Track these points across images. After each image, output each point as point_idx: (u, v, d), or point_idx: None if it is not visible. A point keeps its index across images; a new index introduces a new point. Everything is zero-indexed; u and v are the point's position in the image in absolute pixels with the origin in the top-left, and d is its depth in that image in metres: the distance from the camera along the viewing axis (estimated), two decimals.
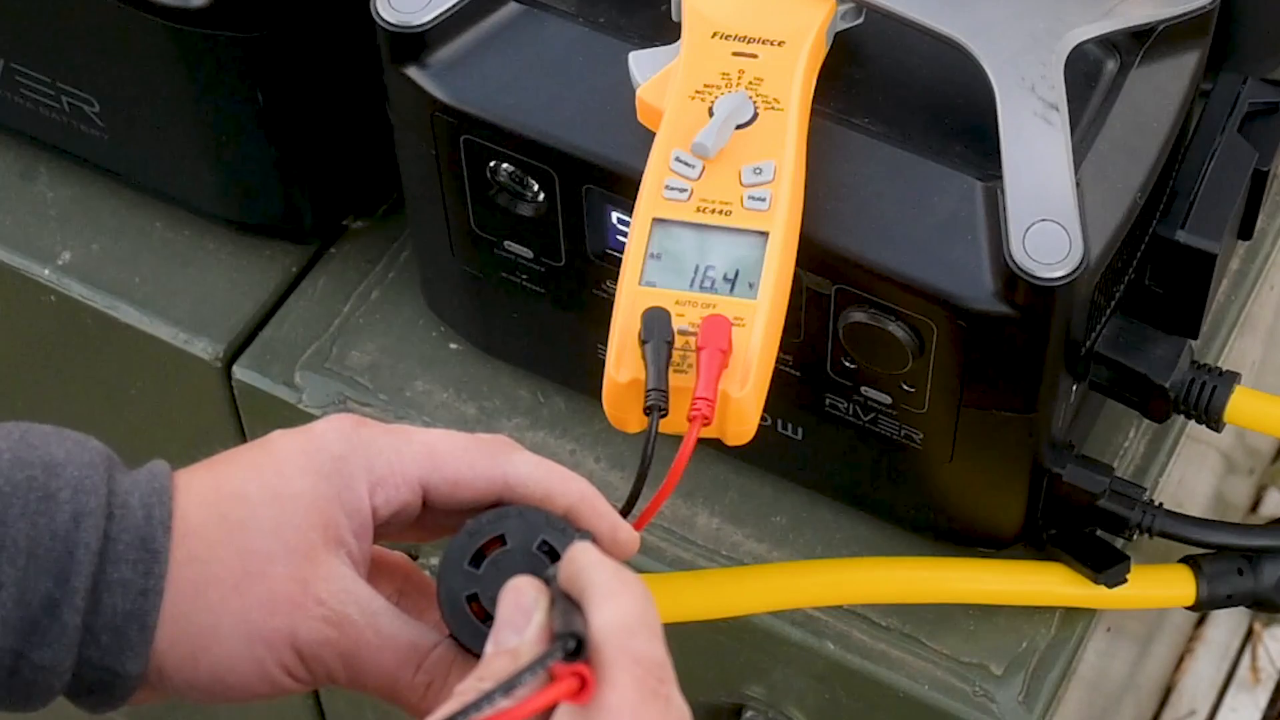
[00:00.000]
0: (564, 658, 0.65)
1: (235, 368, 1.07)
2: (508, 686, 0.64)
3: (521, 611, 0.68)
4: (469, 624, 0.71)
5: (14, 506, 0.69)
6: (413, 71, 0.91)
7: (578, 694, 0.64)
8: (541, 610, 0.68)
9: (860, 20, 0.90)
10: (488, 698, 0.64)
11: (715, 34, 0.87)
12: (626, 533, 0.75)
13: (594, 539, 0.72)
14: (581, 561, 0.68)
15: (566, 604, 0.67)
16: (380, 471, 0.73)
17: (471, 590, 0.71)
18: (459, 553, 0.71)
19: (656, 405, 0.79)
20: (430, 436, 0.74)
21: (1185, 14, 0.90)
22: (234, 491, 0.72)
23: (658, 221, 0.84)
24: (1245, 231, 0.98)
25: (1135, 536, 0.98)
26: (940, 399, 0.90)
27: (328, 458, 0.72)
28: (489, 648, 0.68)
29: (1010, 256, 0.83)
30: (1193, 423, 0.98)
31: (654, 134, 0.86)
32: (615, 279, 0.86)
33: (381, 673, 0.71)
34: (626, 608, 0.66)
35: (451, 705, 0.64)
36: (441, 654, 0.72)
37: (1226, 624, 1.63)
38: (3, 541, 0.68)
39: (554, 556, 0.71)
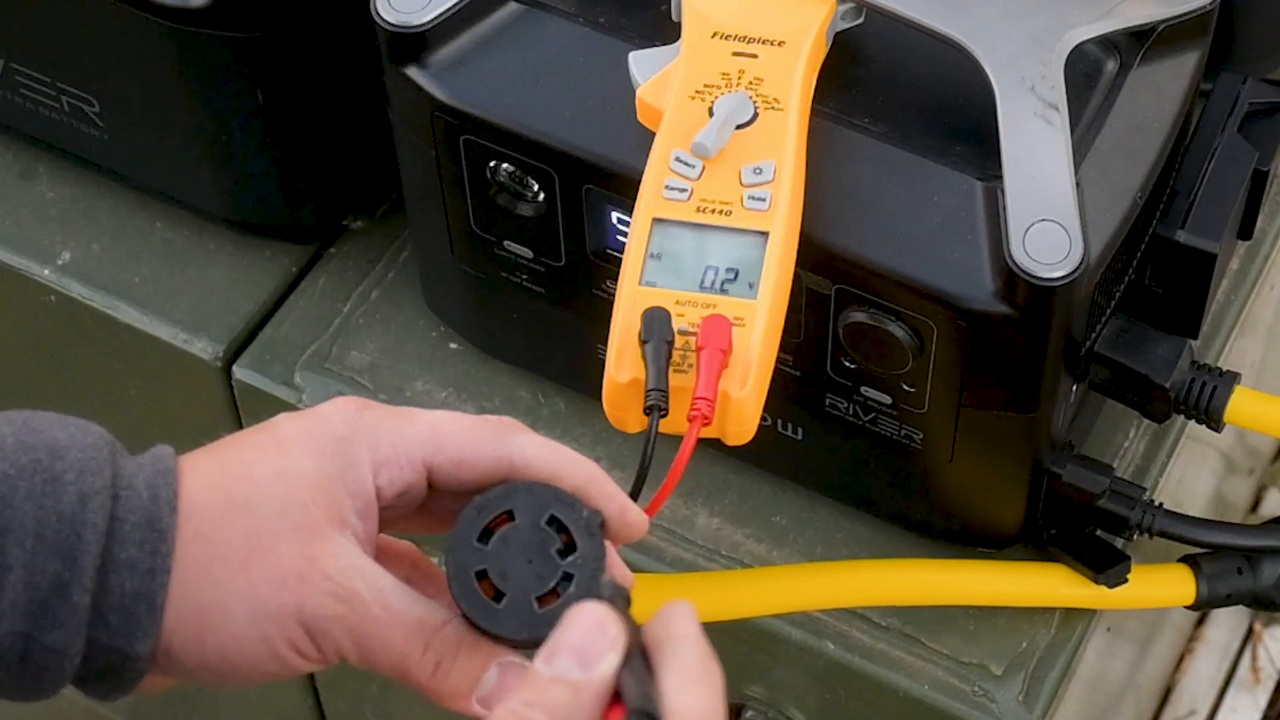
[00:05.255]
0: None
1: (235, 368, 1.07)
2: None
3: (593, 645, 0.66)
4: (478, 600, 0.70)
5: (20, 489, 0.69)
6: (413, 71, 0.91)
7: None
8: (617, 654, 0.66)
9: (860, 20, 0.90)
10: None
11: (715, 34, 0.87)
12: (635, 514, 0.74)
13: (603, 519, 0.72)
14: (676, 629, 0.67)
15: (641, 663, 0.66)
16: (384, 452, 0.73)
17: (480, 566, 0.71)
18: (467, 528, 0.71)
19: (656, 405, 0.79)
20: (435, 417, 0.74)
21: (1185, 14, 0.90)
22: (239, 472, 0.72)
23: (658, 221, 0.84)
24: (1245, 231, 0.98)
25: (1135, 536, 0.98)
26: (940, 399, 0.90)
27: (331, 438, 0.72)
28: (541, 665, 0.66)
29: (1010, 256, 0.83)
30: (1193, 423, 0.98)
31: (654, 134, 0.86)
32: (615, 279, 0.86)
33: (390, 650, 0.71)
34: (706, 702, 0.65)
35: None
36: (450, 632, 0.71)
37: (1226, 624, 1.63)
38: (10, 524, 0.68)
39: (563, 530, 0.71)
